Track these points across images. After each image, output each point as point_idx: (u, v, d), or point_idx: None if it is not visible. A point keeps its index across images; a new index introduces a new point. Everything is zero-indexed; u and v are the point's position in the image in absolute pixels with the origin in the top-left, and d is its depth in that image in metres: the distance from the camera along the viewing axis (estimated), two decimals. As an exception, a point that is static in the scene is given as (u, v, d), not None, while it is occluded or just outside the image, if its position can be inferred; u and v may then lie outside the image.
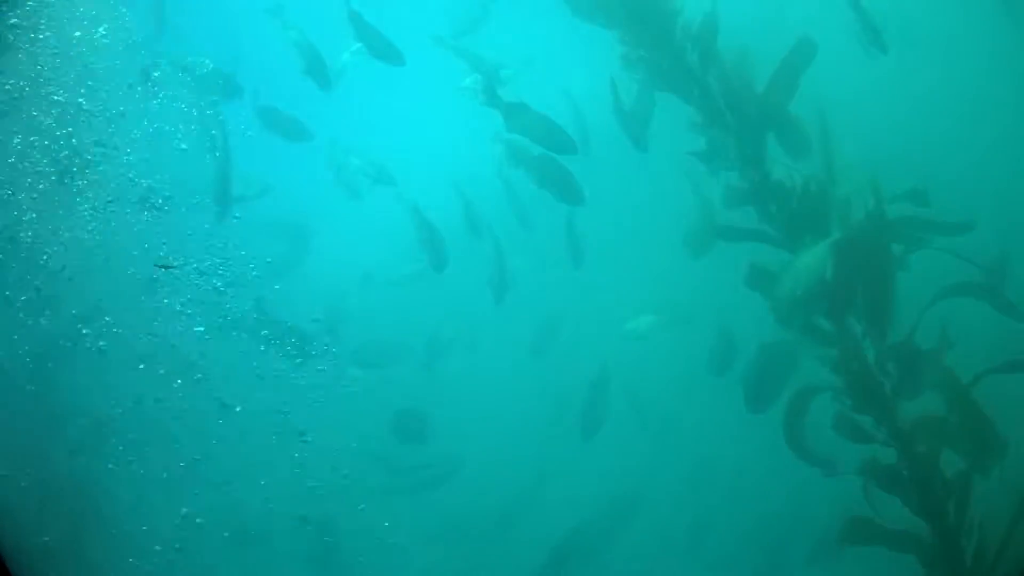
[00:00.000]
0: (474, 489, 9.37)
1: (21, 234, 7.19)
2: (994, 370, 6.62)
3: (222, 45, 8.76)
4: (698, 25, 6.47)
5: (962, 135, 8.37)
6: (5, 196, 7.13)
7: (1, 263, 7.24)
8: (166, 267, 7.12)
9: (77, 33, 7.13)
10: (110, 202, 7.34)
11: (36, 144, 7.13)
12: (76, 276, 7.43)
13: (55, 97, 7.11)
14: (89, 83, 7.23)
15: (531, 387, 9.46)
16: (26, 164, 7.12)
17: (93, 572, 7.51)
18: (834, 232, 6.37)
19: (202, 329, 7.68)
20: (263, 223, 8.84)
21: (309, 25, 8.48)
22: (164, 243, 7.48)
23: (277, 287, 8.58)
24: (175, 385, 7.61)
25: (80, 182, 7.28)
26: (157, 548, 7.49)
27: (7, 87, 6.95)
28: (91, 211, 7.31)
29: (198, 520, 7.68)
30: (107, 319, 7.51)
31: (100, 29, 7.25)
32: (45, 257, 7.31)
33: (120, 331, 7.49)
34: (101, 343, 7.53)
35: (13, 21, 6.85)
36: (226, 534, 8.04)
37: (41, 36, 6.93)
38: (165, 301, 7.55)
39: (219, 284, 7.67)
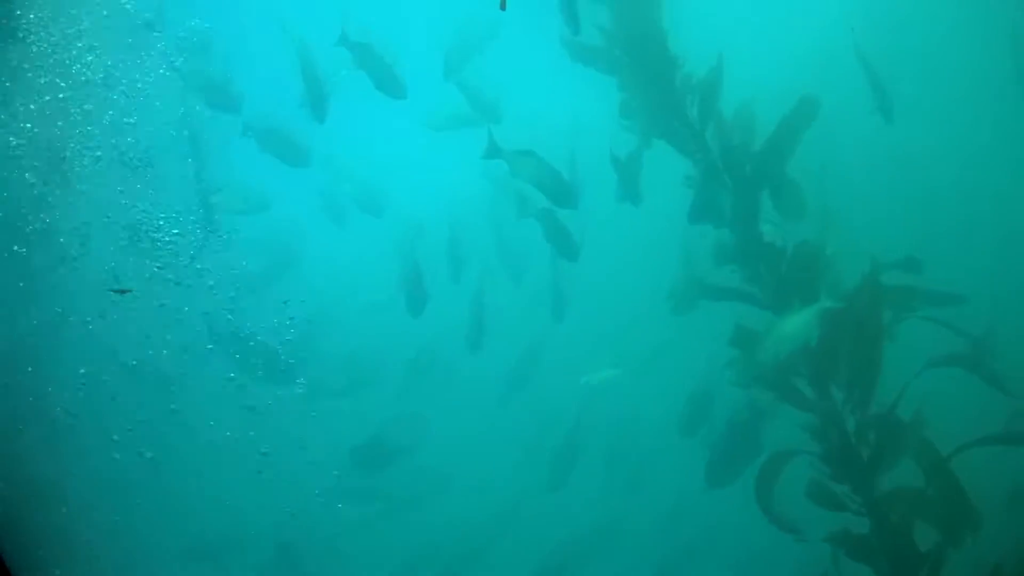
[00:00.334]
0: (437, 523, 9.27)
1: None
2: (975, 443, 6.52)
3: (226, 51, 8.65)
4: (700, 78, 6.34)
5: (960, 205, 8.28)
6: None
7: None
8: (122, 291, 7.00)
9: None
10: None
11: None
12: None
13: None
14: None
15: (502, 430, 9.38)
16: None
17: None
18: (823, 298, 6.24)
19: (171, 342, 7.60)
20: (247, 240, 8.73)
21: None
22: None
23: (252, 305, 8.45)
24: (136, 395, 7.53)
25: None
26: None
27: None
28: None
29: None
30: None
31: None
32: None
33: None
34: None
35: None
36: (180, 549, 7.94)
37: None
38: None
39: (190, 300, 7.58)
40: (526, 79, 8.55)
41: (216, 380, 7.98)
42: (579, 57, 6.55)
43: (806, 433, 6.44)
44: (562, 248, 7.39)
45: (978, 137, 8.40)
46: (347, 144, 9.38)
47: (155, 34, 8.26)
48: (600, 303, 9.12)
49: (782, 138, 6.37)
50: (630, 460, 9.19)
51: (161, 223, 7.58)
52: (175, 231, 7.65)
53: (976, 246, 8.02)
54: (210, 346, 8.03)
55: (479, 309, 8.52)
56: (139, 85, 7.79)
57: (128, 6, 7.74)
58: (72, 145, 7.48)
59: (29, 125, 7.22)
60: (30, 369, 7.62)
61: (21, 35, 6.85)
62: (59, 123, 7.42)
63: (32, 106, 7.20)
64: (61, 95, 7.27)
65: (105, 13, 7.37)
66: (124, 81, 7.69)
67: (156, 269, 7.49)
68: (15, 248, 7.40)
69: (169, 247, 7.60)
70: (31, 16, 6.93)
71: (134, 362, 7.93)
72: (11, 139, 7.20)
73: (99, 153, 7.53)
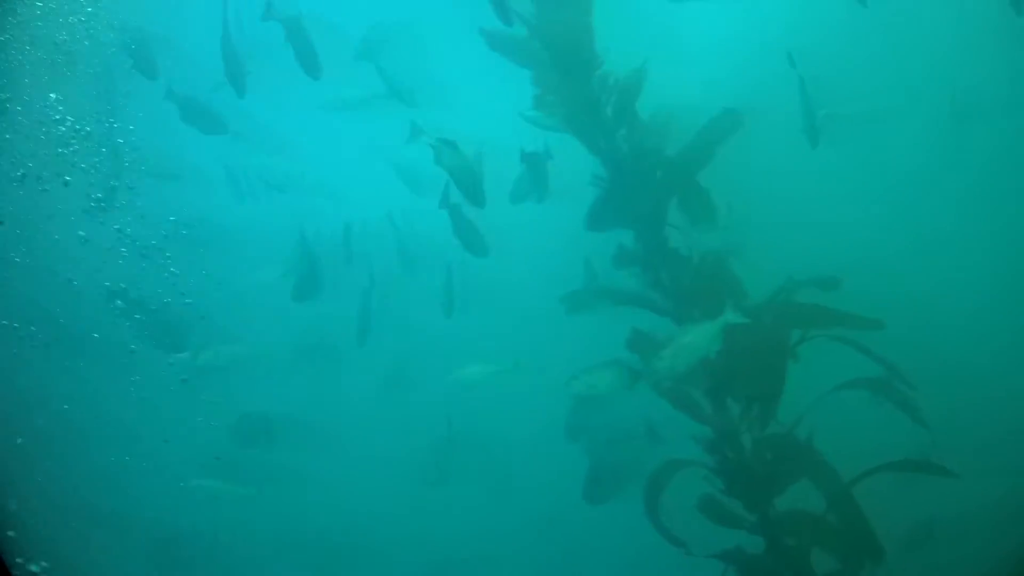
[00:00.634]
0: (316, 508, 9.19)
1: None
2: (878, 469, 6.40)
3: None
4: (618, 79, 6.23)
5: (886, 228, 8.16)
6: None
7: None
8: None
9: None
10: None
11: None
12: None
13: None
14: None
15: (385, 422, 9.29)
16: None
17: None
18: (728, 312, 6.09)
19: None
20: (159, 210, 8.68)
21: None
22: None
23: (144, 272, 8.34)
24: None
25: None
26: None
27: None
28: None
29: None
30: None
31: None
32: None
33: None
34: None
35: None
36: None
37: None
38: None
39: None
40: (447, 66, 8.48)
41: (110, 345, 7.93)
42: (497, 47, 6.44)
43: (699, 446, 6.34)
44: (470, 244, 7.29)
45: (908, 161, 8.29)
46: (260, 119, 9.34)
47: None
48: (497, 301, 9.03)
49: (698, 147, 6.27)
50: (508, 461, 9.11)
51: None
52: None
53: (899, 271, 7.89)
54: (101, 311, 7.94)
55: (367, 298, 8.45)
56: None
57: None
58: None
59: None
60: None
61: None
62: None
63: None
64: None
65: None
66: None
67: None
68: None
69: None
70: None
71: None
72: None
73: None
